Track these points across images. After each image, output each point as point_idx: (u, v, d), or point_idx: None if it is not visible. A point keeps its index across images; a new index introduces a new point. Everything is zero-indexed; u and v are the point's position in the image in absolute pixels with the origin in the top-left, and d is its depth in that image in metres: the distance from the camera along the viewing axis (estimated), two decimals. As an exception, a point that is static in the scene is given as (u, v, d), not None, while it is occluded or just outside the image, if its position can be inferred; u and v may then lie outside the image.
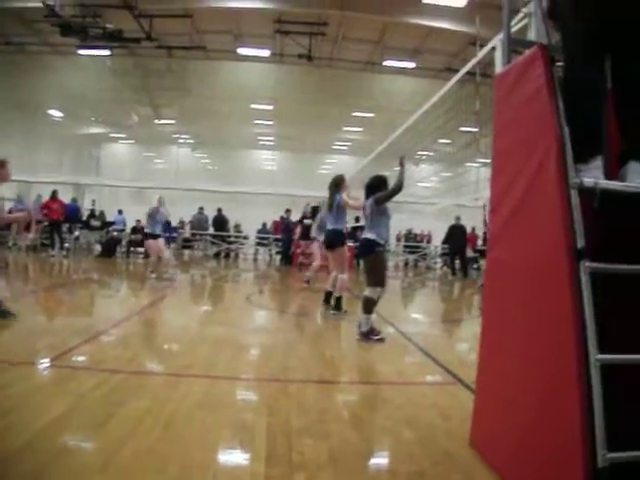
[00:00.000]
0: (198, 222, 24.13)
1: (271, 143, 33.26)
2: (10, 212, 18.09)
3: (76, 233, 20.64)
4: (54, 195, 18.32)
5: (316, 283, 12.25)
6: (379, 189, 6.89)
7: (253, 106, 26.90)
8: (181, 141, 33.30)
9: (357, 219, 18.14)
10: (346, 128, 30.31)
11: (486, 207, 10.69)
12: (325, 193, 8.88)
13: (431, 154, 25.69)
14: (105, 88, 24.97)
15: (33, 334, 5.89)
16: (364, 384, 4.95)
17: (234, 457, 3.09)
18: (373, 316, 6.68)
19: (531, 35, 3.29)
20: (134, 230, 21.05)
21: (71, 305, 6.59)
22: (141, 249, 20.94)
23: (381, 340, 6.47)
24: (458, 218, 18.85)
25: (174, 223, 23.88)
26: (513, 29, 3.39)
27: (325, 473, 2.86)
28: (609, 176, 2.65)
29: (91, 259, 18.62)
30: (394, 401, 4.32)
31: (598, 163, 2.63)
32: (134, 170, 31.70)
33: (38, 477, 2.60)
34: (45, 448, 2.92)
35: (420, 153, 24.52)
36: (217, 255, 24.01)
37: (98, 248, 20.82)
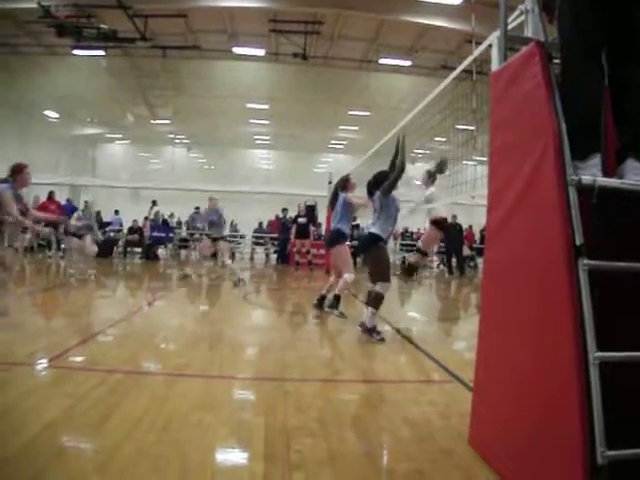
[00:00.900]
0: (194, 222, 24.08)
1: (267, 142, 33.27)
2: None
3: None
4: (51, 196, 18.29)
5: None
6: (383, 184, 6.85)
7: (248, 105, 26.86)
8: (177, 141, 33.32)
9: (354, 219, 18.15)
10: (342, 127, 30.30)
11: None
12: (322, 192, 8.85)
13: (427, 152, 25.71)
14: (100, 88, 24.91)
15: (30, 335, 5.87)
16: (362, 382, 4.94)
17: (232, 457, 3.08)
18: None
19: (528, 32, 3.28)
20: (131, 230, 21.05)
21: (68, 306, 6.58)
22: (138, 249, 20.95)
23: (382, 340, 6.44)
24: (454, 216, 18.85)
25: (172, 223, 23.90)
26: (509, 26, 3.38)
27: (324, 472, 2.85)
28: (607, 173, 2.65)
29: (87, 260, 18.57)
30: (392, 399, 4.32)
31: (596, 160, 2.63)
32: (130, 170, 31.70)
33: (36, 479, 2.58)
34: (43, 449, 2.92)
35: (416, 151, 24.52)
36: (214, 255, 23.96)
37: (95, 249, 20.76)
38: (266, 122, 29.63)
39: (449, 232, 18.76)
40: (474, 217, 23.58)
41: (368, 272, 6.95)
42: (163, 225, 22.27)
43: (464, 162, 10.30)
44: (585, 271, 2.35)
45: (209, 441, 3.20)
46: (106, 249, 19.58)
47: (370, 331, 6.48)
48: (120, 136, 32.69)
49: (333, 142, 33.22)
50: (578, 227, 2.41)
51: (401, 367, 5.55)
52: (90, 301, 6.73)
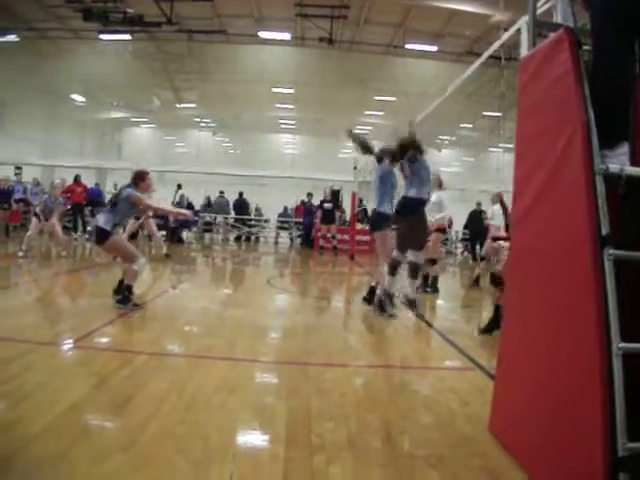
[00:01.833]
0: (219, 206, 24.17)
1: (292, 127, 33.22)
2: (25, 194, 18.43)
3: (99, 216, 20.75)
4: (77, 179, 18.49)
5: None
6: (407, 151, 6.81)
7: (274, 90, 26.86)
8: (202, 125, 33.38)
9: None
10: (367, 112, 30.17)
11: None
12: (347, 177, 8.55)
13: (453, 139, 25.53)
14: (126, 72, 25.09)
15: (57, 316, 5.98)
16: (384, 368, 4.95)
17: (254, 439, 3.11)
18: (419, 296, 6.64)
19: (557, 18, 3.23)
20: (155, 214, 21.17)
21: (94, 287, 6.68)
22: (162, 232, 21.09)
23: (392, 316, 6.62)
24: (479, 204, 18.67)
25: (197, 207, 24.04)
26: (538, 11, 3.33)
27: (344, 456, 2.87)
28: (635, 162, 2.62)
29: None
30: (414, 385, 4.34)
31: (624, 149, 2.59)
32: (155, 154, 31.82)
33: (62, 457, 2.64)
34: (69, 428, 2.98)
35: (442, 138, 24.36)
36: (238, 239, 24.08)
37: (121, 231, 20.91)
38: (291, 106, 29.59)
39: (474, 219, 18.69)
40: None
41: (399, 236, 6.82)
42: (188, 209, 22.36)
43: (490, 149, 10.21)
44: (610, 261, 2.33)
45: (231, 423, 3.24)
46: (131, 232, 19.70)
47: (412, 304, 6.58)
48: (146, 120, 32.87)
49: (359, 127, 33.01)
50: (604, 216, 2.39)
51: (423, 353, 5.56)
52: (115, 283, 6.80)
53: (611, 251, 2.34)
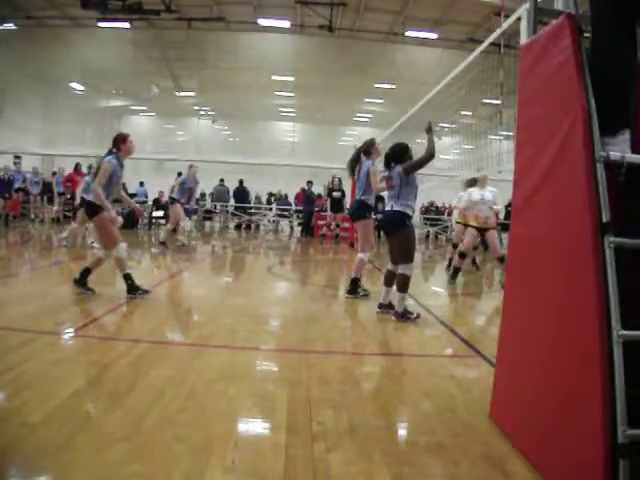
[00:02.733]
0: (219, 194, 24.15)
1: (292, 115, 33.13)
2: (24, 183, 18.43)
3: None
4: (77, 168, 18.43)
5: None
6: (402, 157, 6.58)
7: (273, 77, 26.77)
8: (202, 113, 33.27)
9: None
10: (367, 100, 30.11)
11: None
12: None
13: (453, 126, 25.46)
14: (125, 61, 25.00)
15: (57, 304, 5.98)
16: (384, 356, 4.97)
17: (255, 427, 3.13)
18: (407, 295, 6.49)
19: (558, 5, 3.21)
20: (157, 205, 21.23)
21: (94, 276, 6.67)
22: (162, 220, 21.09)
23: (418, 317, 6.29)
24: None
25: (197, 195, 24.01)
26: (539, -2, 3.32)
27: (345, 443, 2.89)
28: (636, 150, 2.61)
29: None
30: (414, 373, 4.34)
31: (625, 136, 2.58)
32: (155, 142, 31.72)
33: (64, 445, 2.65)
34: (70, 416, 2.99)
35: (442, 125, 24.26)
36: (238, 227, 24.09)
37: (120, 220, 20.89)
38: (291, 94, 29.51)
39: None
40: (500, 192, 23.36)
41: (391, 251, 6.76)
42: (188, 197, 22.29)
43: (490, 137, 10.19)
44: (611, 248, 2.33)
45: (233, 411, 3.26)
46: (131, 220, 19.71)
47: (402, 315, 6.26)
48: (145, 108, 32.76)
49: (358, 115, 32.99)
50: (605, 204, 2.38)
51: (424, 341, 5.56)
52: (115, 272, 6.81)
53: (612, 239, 2.33)
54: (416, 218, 27.41)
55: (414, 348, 5.24)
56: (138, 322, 5.58)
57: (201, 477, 2.46)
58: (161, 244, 12.72)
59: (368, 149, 7.74)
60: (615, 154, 2.44)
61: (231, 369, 4.07)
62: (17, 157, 19.66)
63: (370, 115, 32.47)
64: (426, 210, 27.36)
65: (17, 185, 18.36)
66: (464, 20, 21.77)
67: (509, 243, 3.40)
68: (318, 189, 21.94)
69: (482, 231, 9.83)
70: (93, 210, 6.52)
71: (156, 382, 3.61)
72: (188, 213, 21.36)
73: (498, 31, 6.16)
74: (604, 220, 2.36)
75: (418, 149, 6.79)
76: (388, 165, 6.68)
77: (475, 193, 9.91)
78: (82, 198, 11.19)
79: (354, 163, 7.95)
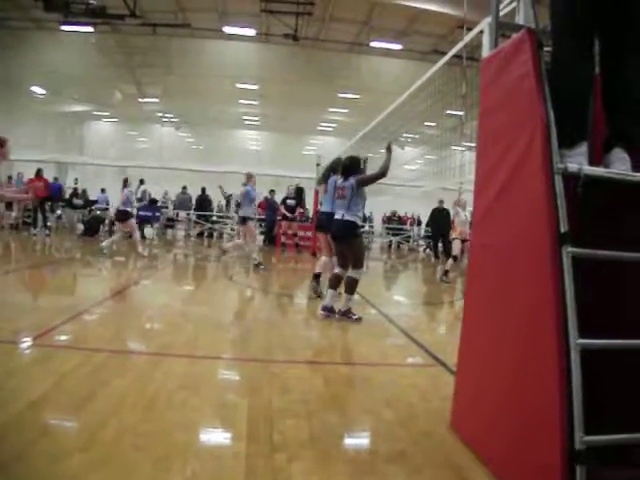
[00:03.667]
0: (181, 202, 23.98)
1: (256, 123, 33.09)
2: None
3: (58, 212, 20.42)
4: (39, 173, 18.13)
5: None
6: (355, 170, 6.90)
7: (238, 85, 26.69)
8: (165, 120, 33.02)
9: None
10: (331, 109, 30.25)
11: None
12: (310, 174, 8.45)
13: (416, 137, 25.70)
14: (88, 65, 24.68)
15: (15, 313, 5.85)
16: (346, 365, 4.98)
17: (216, 437, 3.10)
18: (355, 296, 6.75)
19: (519, 19, 3.27)
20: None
21: (53, 284, 6.56)
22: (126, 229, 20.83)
23: (359, 319, 6.60)
24: (441, 201, 18.80)
25: (158, 202, 23.79)
26: (501, 12, 3.37)
27: (305, 453, 2.87)
28: (593, 162, 2.67)
29: (74, 238, 18.47)
30: (375, 382, 4.35)
31: (583, 149, 2.64)
32: (118, 149, 31.39)
33: (19, 457, 2.59)
34: (27, 427, 2.92)
35: (405, 135, 24.50)
36: (200, 235, 23.92)
37: (81, 227, 20.61)
38: (255, 103, 29.47)
39: (436, 217, 18.86)
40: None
41: (342, 257, 6.89)
42: (150, 204, 22.09)
43: (452, 147, 10.30)
44: (569, 258, 2.37)
45: (193, 421, 3.22)
46: (92, 228, 19.44)
47: (346, 314, 6.65)
48: (108, 114, 32.34)
49: (322, 124, 33.10)
50: (563, 215, 2.43)
51: (385, 350, 5.58)
52: (75, 280, 6.70)
53: (570, 248, 2.37)
54: (378, 227, 27.66)
55: (376, 357, 5.25)
56: (98, 331, 5.48)
57: (160, 488, 2.43)
58: (256, 266, 11.95)
59: (358, 166, 7.16)
60: (573, 166, 2.49)
61: (192, 379, 4.02)
62: (-27, 162, 19.25)
63: (334, 125, 32.61)
64: (388, 220, 27.57)
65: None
66: (428, 32, 22.04)
67: (469, 253, 3.44)
68: (281, 198, 21.95)
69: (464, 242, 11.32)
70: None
71: (115, 392, 3.55)
72: (149, 220, 21.19)
73: (461, 44, 6.25)
74: (562, 230, 2.40)
75: (378, 161, 6.98)
76: (345, 175, 6.92)
77: (461, 214, 11.95)
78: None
79: (325, 176, 8.23)
